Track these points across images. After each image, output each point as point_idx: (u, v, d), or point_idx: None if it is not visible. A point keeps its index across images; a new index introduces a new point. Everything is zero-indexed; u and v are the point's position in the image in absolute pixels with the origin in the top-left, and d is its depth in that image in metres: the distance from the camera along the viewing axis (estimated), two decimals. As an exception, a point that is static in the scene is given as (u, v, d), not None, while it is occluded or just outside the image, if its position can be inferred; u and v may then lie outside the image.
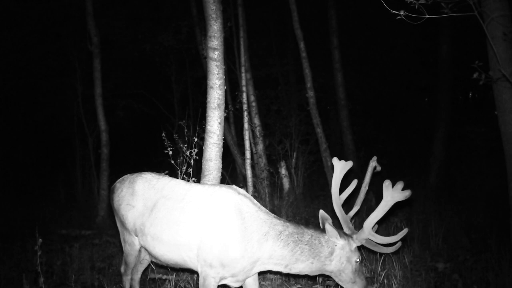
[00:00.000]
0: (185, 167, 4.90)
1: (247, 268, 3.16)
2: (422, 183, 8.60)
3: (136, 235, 3.50)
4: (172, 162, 4.90)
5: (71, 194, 10.27)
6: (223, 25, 4.52)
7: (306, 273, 3.23)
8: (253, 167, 7.82)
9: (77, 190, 10.36)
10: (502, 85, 3.96)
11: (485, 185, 7.68)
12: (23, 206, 9.24)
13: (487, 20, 3.69)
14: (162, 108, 12.30)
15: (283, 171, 8.15)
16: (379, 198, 3.07)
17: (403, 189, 2.98)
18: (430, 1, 3.23)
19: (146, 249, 3.55)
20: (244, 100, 7.51)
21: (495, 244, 4.86)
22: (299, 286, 4.29)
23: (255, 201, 3.31)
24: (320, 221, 3.33)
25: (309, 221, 6.54)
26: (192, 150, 4.92)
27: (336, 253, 3.13)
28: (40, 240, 3.41)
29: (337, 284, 3.39)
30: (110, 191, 3.76)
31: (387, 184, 3.02)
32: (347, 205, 3.49)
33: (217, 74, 4.44)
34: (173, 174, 4.52)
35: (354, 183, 3.55)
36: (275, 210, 7.02)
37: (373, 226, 3.12)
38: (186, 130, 5.07)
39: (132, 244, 3.59)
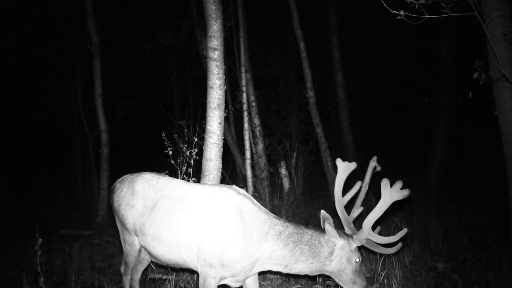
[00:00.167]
0: (185, 167, 4.90)
1: (247, 268, 3.16)
2: (422, 183, 8.60)
3: (136, 235, 3.50)
4: (172, 162, 4.90)
5: (71, 194, 10.26)
6: (223, 25, 4.52)
7: (306, 273, 3.22)
8: (253, 167, 7.82)
9: (77, 190, 10.36)
10: (502, 85, 3.96)
11: (485, 185, 7.67)
12: (23, 206, 9.23)
13: (487, 20, 3.69)
14: (162, 108, 12.30)
15: (283, 171, 8.15)
16: (379, 198, 3.07)
17: (401, 188, 2.96)
18: (430, 1, 3.22)
19: (146, 249, 3.55)
20: (244, 100, 7.51)
21: (495, 244, 4.85)
22: (299, 286, 4.29)
23: (255, 201, 3.31)
24: (321, 221, 3.33)
25: (309, 221, 6.54)
26: (192, 150, 4.92)
27: (336, 253, 3.13)
28: (40, 240, 3.41)
29: (337, 284, 3.38)
30: (110, 191, 3.76)
31: (385, 183, 3.01)
32: (347, 205, 3.48)
33: (217, 74, 4.44)
34: (173, 174, 4.51)
35: (357, 185, 3.51)
36: (275, 210, 7.01)
37: (375, 228, 3.11)
38: (186, 130, 5.07)
39: (132, 244, 3.59)
